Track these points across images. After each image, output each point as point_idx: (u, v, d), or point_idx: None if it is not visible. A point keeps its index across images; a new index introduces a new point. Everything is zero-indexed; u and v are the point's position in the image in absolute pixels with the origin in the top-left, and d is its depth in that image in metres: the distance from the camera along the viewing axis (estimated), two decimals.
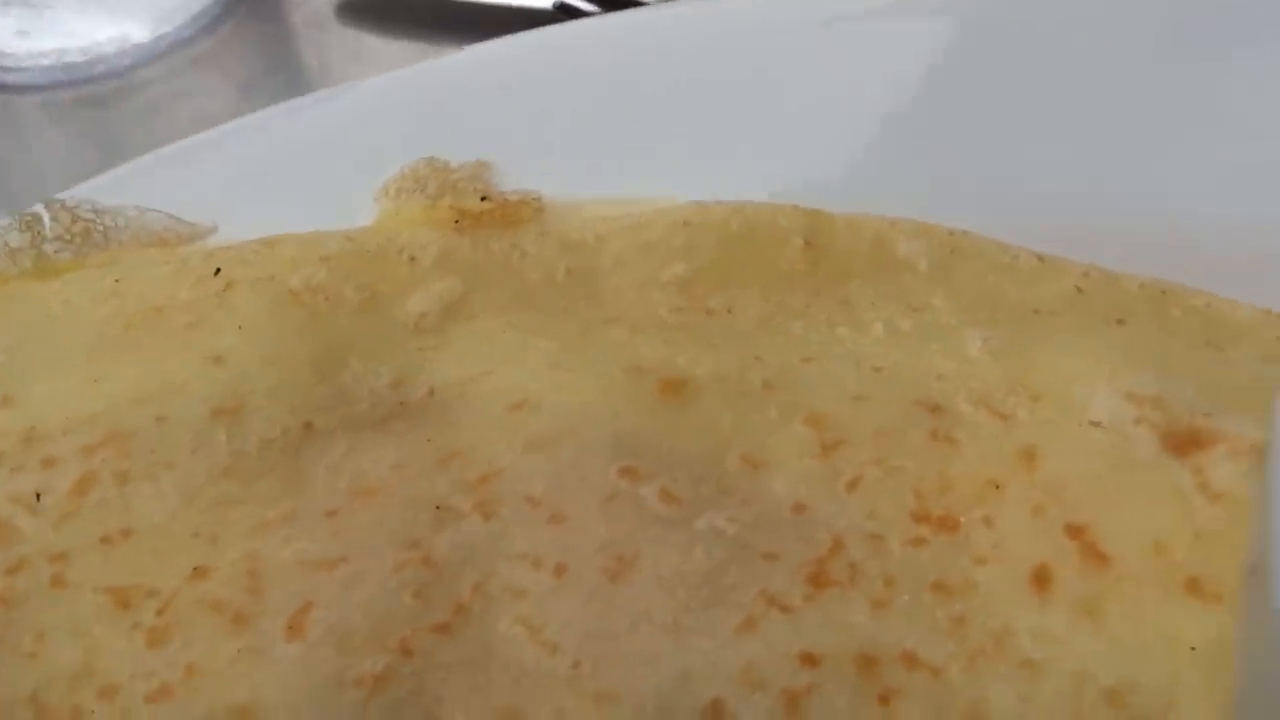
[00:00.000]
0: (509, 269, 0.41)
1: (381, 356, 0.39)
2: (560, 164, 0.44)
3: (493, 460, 0.36)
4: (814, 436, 0.37)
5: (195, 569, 0.34)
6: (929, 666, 0.33)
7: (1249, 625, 0.29)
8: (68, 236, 0.41)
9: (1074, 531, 0.35)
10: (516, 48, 0.46)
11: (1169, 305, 0.41)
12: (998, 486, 0.36)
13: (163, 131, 0.48)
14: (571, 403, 0.38)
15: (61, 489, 0.36)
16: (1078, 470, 0.36)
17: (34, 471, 0.36)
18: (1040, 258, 0.43)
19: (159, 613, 0.33)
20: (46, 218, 0.40)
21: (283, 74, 0.53)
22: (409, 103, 0.45)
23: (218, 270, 0.40)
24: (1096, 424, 0.38)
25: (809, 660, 0.33)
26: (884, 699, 0.32)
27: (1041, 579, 0.34)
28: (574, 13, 0.51)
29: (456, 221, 0.42)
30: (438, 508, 0.35)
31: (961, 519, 0.36)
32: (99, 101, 0.53)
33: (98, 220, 0.41)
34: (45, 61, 0.54)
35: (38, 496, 0.35)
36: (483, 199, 0.42)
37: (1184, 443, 0.36)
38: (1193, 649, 0.31)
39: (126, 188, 0.42)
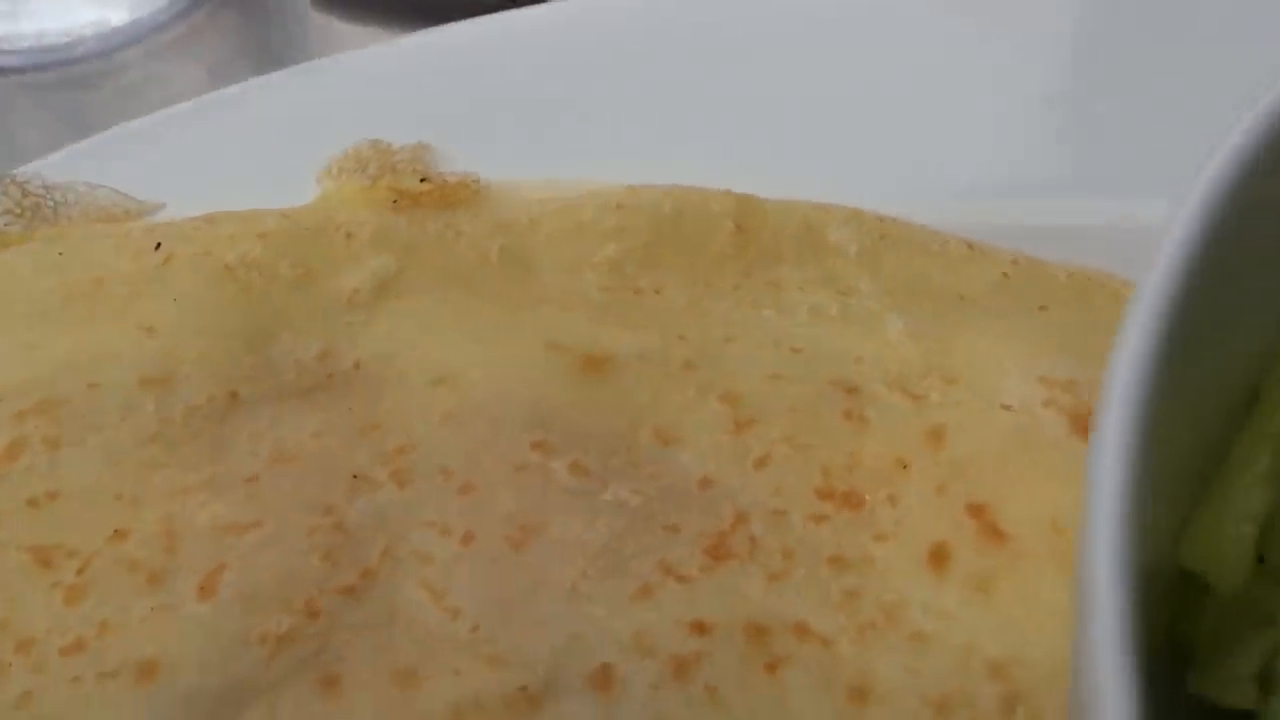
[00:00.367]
0: (443, 248, 0.42)
1: (311, 330, 0.40)
2: (501, 148, 0.44)
3: (410, 432, 0.37)
4: (728, 414, 0.38)
5: (115, 530, 0.35)
6: (819, 637, 0.33)
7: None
8: (17, 210, 0.42)
9: (975, 510, 0.36)
10: (464, 33, 0.47)
11: (1094, 293, 0.42)
12: (905, 465, 0.37)
13: (138, 113, 0.49)
14: (492, 378, 0.39)
15: None
16: (984, 450, 0.37)
17: None
18: (970, 245, 0.43)
19: (78, 572, 0.35)
20: None
21: (256, 59, 0.54)
22: (357, 86, 0.46)
23: (158, 245, 0.41)
24: (1007, 407, 0.38)
25: (700, 629, 0.33)
26: (771, 667, 0.33)
27: (939, 556, 0.35)
28: None
29: (395, 201, 0.43)
30: (354, 476, 0.36)
31: (866, 496, 0.37)
32: (77, 83, 0.54)
33: (47, 195, 0.42)
34: (25, 43, 0.56)
35: None
36: (422, 180, 0.43)
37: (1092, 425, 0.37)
38: None
39: (79, 165, 0.43)
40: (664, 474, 0.37)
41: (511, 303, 0.41)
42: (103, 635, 0.34)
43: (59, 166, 0.43)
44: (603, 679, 0.33)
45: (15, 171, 0.42)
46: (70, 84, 0.54)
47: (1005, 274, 0.42)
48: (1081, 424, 0.37)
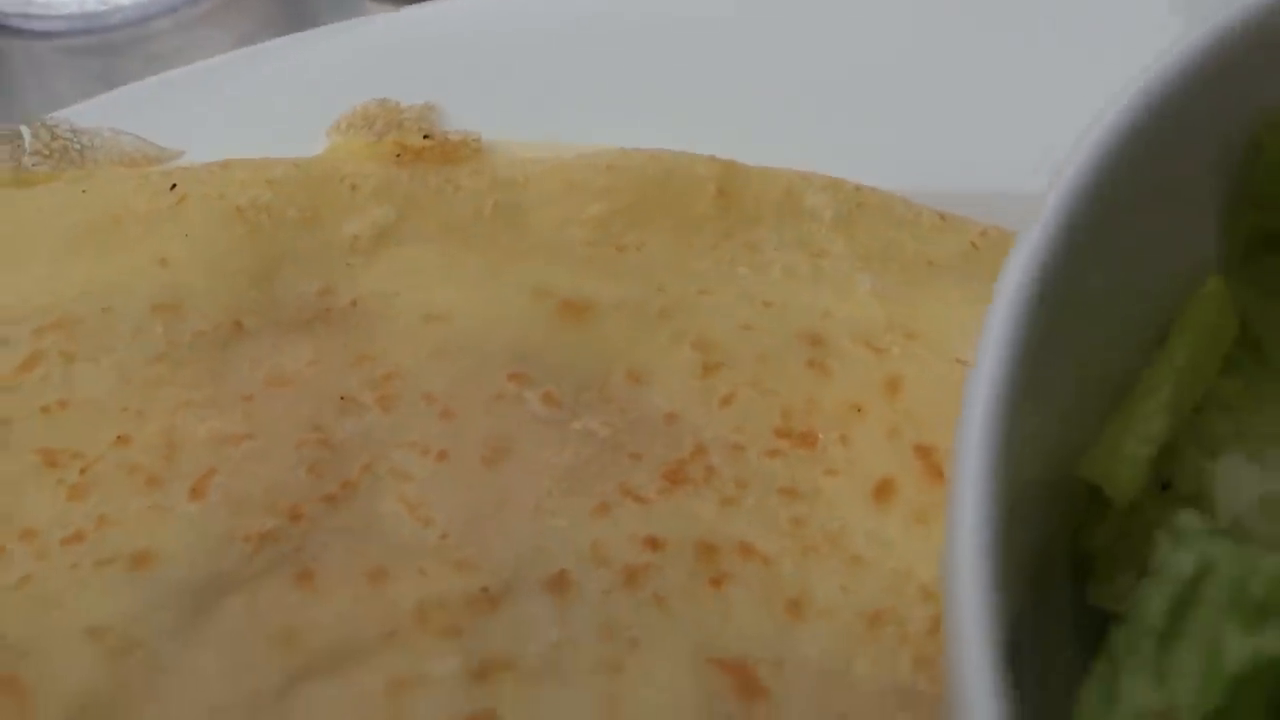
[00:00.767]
0: (441, 201, 0.45)
1: (314, 269, 0.43)
2: (502, 112, 0.47)
3: (399, 363, 0.40)
4: (698, 359, 0.41)
5: (119, 437, 0.38)
6: (763, 557, 0.36)
7: None
8: (46, 152, 0.45)
9: (922, 451, 0.38)
10: (472, 4, 0.50)
11: None
12: (860, 410, 0.39)
13: None
14: (478, 318, 0.41)
15: (11, 364, 0.40)
16: (937, 399, 0.39)
17: None
18: (942, 216, 0.46)
19: (82, 472, 0.37)
20: (27, 135, 0.45)
21: (283, 32, 0.57)
22: (370, 50, 0.49)
23: (174, 186, 0.44)
24: (963, 362, 0.41)
25: (652, 544, 0.36)
26: (716, 581, 0.35)
27: (884, 490, 0.37)
28: None
29: (398, 156, 0.45)
30: (343, 399, 0.39)
31: (821, 436, 0.39)
32: (111, 49, 0.57)
33: (75, 139, 0.45)
34: (67, 9, 0.59)
35: None
36: (425, 137, 0.46)
37: None
38: None
39: (106, 113, 0.46)
40: (632, 409, 0.39)
41: (502, 253, 0.44)
42: (101, 528, 0.36)
43: (87, 114, 0.46)
44: (559, 584, 0.35)
45: (46, 117, 0.45)
46: (104, 50, 0.57)
47: (974, 243, 0.45)
48: None
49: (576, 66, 0.48)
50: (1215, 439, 0.32)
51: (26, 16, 0.58)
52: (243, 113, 0.47)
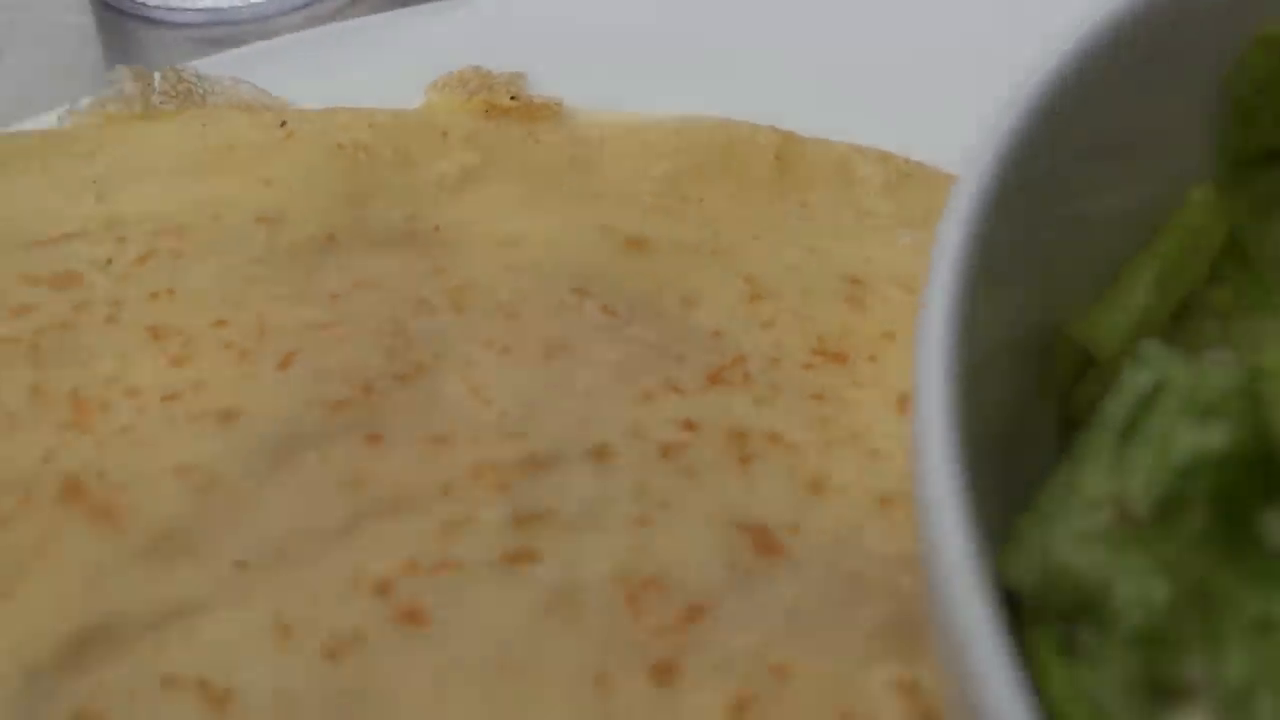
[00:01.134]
0: (523, 151, 0.49)
1: (402, 200, 0.47)
2: (583, 85, 0.52)
3: (473, 276, 0.44)
4: (746, 290, 0.44)
5: (218, 320, 0.42)
6: (789, 444, 0.39)
7: None
8: (172, 93, 0.50)
9: None
10: None
11: None
12: (891, 337, 0.43)
13: None
14: (548, 243, 0.45)
15: (128, 258, 0.44)
16: None
17: (109, 244, 0.45)
18: None
19: (183, 345, 0.42)
20: (157, 76, 0.50)
21: None
22: (466, 25, 0.54)
23: (284, 123, 0.49)
24: None
25: (688, 426, 0.39)
26: (744, 460, 0.39)
27: (907, 401, 0.41)
28: None
29: (486, 112, 0.50)
30: (420, 301, 0.43)
31: (852, 356, 0.42)
32: (239, 41, 0.63)
33: (198, 84, 0.51)
34: (203, 4, 0.65)
35: (108, 261, 0.44)
36: (512, 98, 0.50)
37: None
38: None
39: (227, 67, 0.51)
40: (681, 325, 0.43)
41: (574, 196, 0.48)
42: (196, 390, 0.40)
43: (209, 66, 0.52)
44: (601, 453, 0.39)
45: (176, 65, 0.51)
46: (233, 42, 0.62)
47: None
48: None
49: (651, 42, 0.53)
50: (1201, 339, 0.35)
51: (169, 9, 0.64)
52: (347, 78, 0.52)
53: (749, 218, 0.47)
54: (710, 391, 0.40)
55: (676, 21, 0.54)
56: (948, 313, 0.29)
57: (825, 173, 0.49)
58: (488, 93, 0.50)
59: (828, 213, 0.48)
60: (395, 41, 0.53)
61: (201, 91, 0.50)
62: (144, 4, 0.64)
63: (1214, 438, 0.27)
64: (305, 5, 0.64)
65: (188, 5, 0.64)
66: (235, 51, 0.52)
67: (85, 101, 0.50)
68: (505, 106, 0.50)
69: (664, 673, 0.34)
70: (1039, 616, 0.27)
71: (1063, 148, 0.31)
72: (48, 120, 0.49)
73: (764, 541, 0.36)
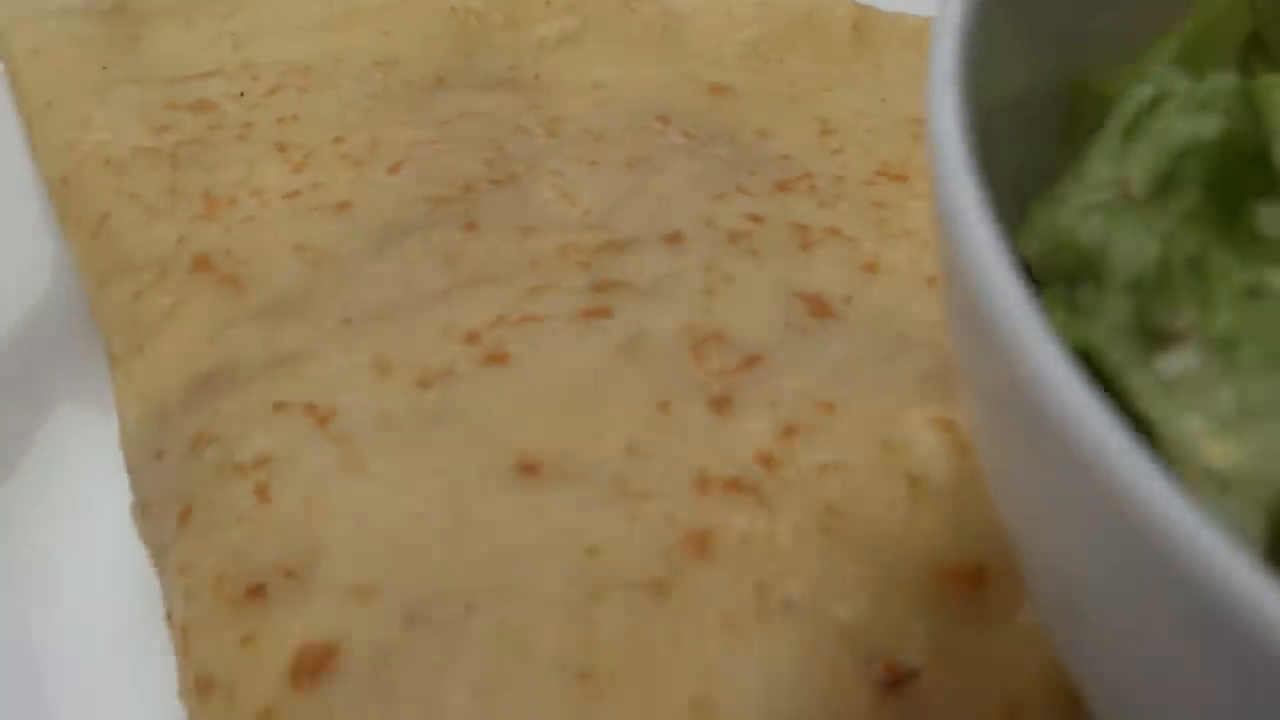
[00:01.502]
0: (619, 19, 0.54)
1: (506, 54, 0.52)
2: None
3: (567, 109, 0.49)
4: (817, 126, 0.48)
5: (336, 138, 0.47)
6: (849, 237, 0.43)
7: None
8: None
9: None
10: None
11: None
12: None
13: None
14: (636, 85, 0.50)
15: (258, 92, 0.49)
16: None
17: (243, 80, 0.50)
18: None
19: (304, 157, 0.46)
20: None
21: None
22: None
23: None
24: None
25: (755, 219, 0.43)
26: (805, 246, 0.42)
27: None
28: None
29: None
30: (517, 127, 0.48)
31: (912, 176, 0.46)
32: None
33: None
34: None
35: (241, 94, 0.49)
36: None
37: None
38: None
39: None
40: (755, 150, 0.47)
41: (664, 56, 0.52)
42: (314, 189, 0.45)
43: None
44: (674, 238, 0.42)
45: None
46: None
47: None
48: None
49: None
50: None
51: None
52: None
53: (824, 74, 0.51)
54: (777, 196, 0.44)
55: None
56: (963, 34, 0.32)
57: (899, 41, 0.52)
58: None
59: (898, 72, 0.51)
60: None
61: None
62: None
63: (1208, 126, 0.30)
64: None
65: None
66: None
67: None
68: None
69: (721, 404, 0.37)
70: (1047, 281, 0.30)
71: None
72: None
73: (819, 306, 0.40)
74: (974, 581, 0.34)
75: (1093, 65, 0.36)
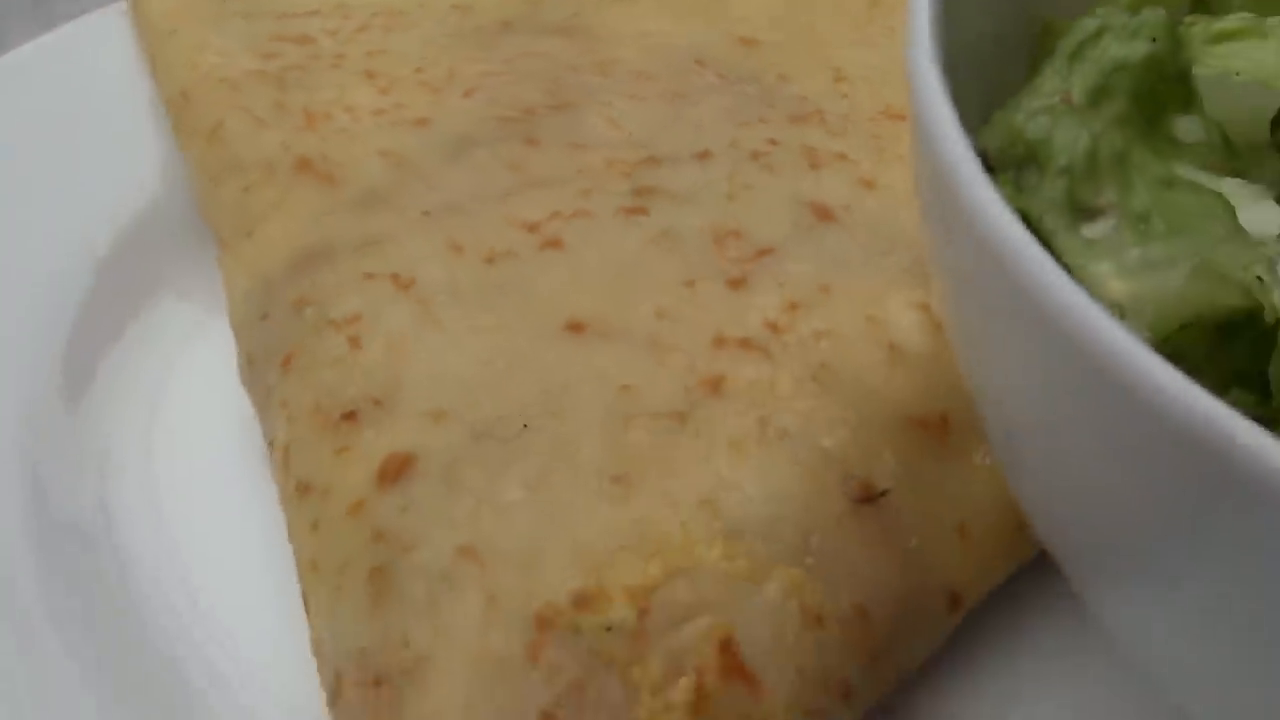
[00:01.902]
0: None
1: (568, 5, 0.60)
2: None
3: (618, 54, 0.56)
4: (831, 73, 0.56)
5: (417, 69, 0.55)
6: (851, 160, 0.50)
7: None
8: None
9: None
10: None
11: None
12: None
13: None
14: (679, 35, 0.57)
15: (350, 29, 0.57)
16: None
17: (337, 19, 0.58)
18: None
19: (389, 82, 0.54)
20: None
21: None
22: None
23: None
24: None
25: (773, 142, 0.51)
26: (814, 165, 0.50)
27: None
28: None
29: None
30: (574, 66, 0.55)
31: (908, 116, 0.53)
32: None
33: None
34: None
35: (335, 31, 0.57)
36: None
37: None
38: None
39: None
40: (776, 90, 0.55)
41: (708, 16, 0.60)
42: (398, 108, 0.53)
43: None
44: (703, 155, 0.50)
45: None
46: None
47: None
48: None
49: None
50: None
51: None
52: None
53: (841, 34, 0.59)
54: (793, 126, 0.52)
55: None
56: None
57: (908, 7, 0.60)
58: None
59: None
60: None
61: None
62: None
63: (1136, 50, 0.38)
64: None
65: None
66: None
67: None
68: None
69: (737, 283, 0.45)
70: (1000, 168, 0.38)
71: None
72: None
73: (822, 212, 0.47)
74: (938, 428, 0.42)
75: (1060, 11, 0.44)
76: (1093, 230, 0.36)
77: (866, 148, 0.51)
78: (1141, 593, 0.31)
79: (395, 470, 0.40)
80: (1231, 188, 0.36)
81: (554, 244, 0.46)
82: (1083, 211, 0.37)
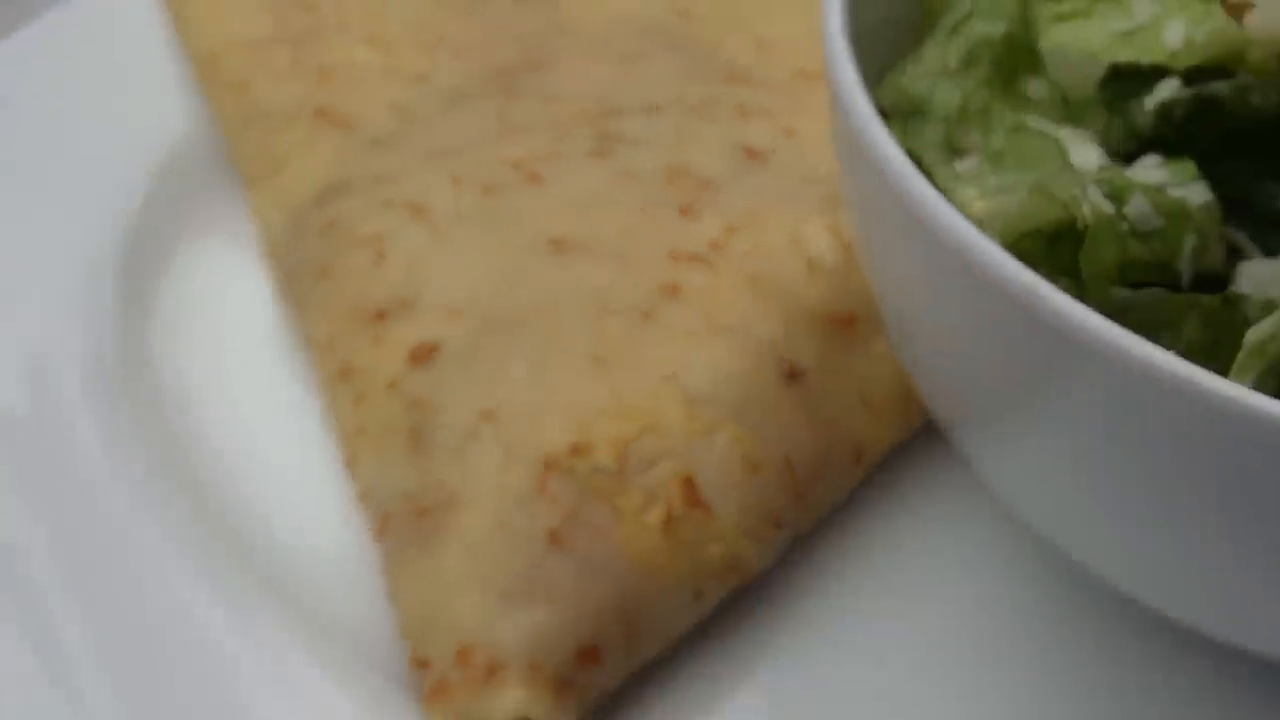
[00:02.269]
0: None
1: None
2: None
3: (579, 21, 0.67)
4: (754, 42, 0.67)
5: (413, 34, 0.66)
6: (774, 112, 0.62)
7: None
8: None
9: None
10: None
11: None
12: None
13: None
14: (631, 8, 0.68)
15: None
16: None
17: None
18: None
19: (390, 45, 0.65)
20: None
21: None
22: None
23: None
24: None
25: (710, 97, 0.62)
26: (744, 116, 0.61)
27: None
28: None
29: None
30: (542, 33, 0.66)
31: (821, 77, 0.65)
32: None
33: None
34: None
35: (336, 1, 0.68)
36: None
37: None
38: None
39: None
40: (712, 56, 0.66)
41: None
42: (398, 67, 0.64)
43: None
44: (654, 108, 0.61)
45: None
46: None
47: None
48: None
49: None
50: None
51: None
52: None
53: (769, 9, 0.70)
54: (727, 85, 0.63)
55: None
56: None
57: None
58: None
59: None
60: None
61: None
62: None
63: (996, 27, 0.50)
64: None
65: None
66: None
67: None
68: None
69: (686, 210, 0.56)
70: (894, 116, 0.50)
71: None
72: None
73: (753, 154, 0.59)
74: (847, 323, 0.53)
75: None
76: (962, 165, 0.48)
77: (787, 102, 0.62)
78: (1003, 440, 0.43)
79: (424, 355, 0.51)
80: (1066, 134, 0.47)
81: (535, 179, 0.57)
82: (955, 151, 0.49)
